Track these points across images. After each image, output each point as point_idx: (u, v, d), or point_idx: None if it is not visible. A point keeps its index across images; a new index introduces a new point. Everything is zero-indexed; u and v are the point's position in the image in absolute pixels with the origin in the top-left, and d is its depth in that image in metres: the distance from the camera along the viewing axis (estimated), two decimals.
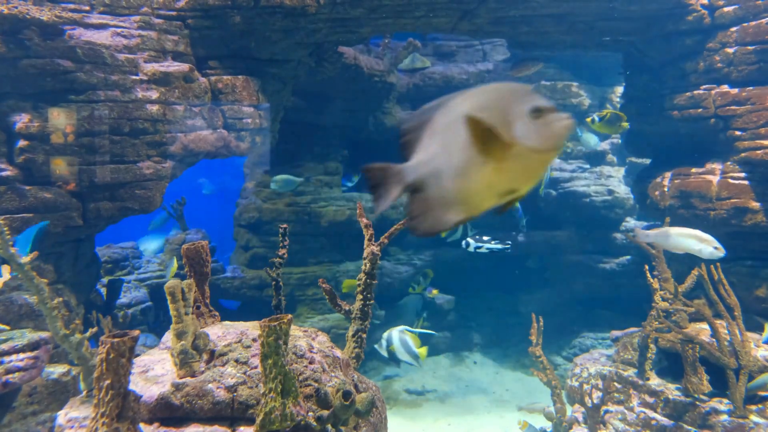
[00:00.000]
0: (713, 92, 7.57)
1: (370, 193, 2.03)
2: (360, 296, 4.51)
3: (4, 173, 6.06)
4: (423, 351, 7.52)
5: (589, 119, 9.13)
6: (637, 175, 9.82)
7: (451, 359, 11.54)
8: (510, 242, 8.87)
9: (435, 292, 9.12)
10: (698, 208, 7.64)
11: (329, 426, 3.28)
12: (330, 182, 11.87)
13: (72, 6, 6.65)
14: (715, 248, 5.96)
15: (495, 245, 8.72)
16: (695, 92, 7.76)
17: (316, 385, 3.47)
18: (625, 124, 8.75)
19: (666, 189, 8.24)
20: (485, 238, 8.92)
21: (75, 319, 5.20)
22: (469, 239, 8.99)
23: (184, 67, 7.13)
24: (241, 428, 3.31)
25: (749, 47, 7.25)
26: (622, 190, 11.33)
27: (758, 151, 7.05)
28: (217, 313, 4.49)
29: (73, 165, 6.36)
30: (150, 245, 9.94)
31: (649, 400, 6.47)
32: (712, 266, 6.12)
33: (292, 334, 3.84)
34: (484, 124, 1.67)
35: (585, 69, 12.82)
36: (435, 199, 1.88)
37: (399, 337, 7.50)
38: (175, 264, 8.87)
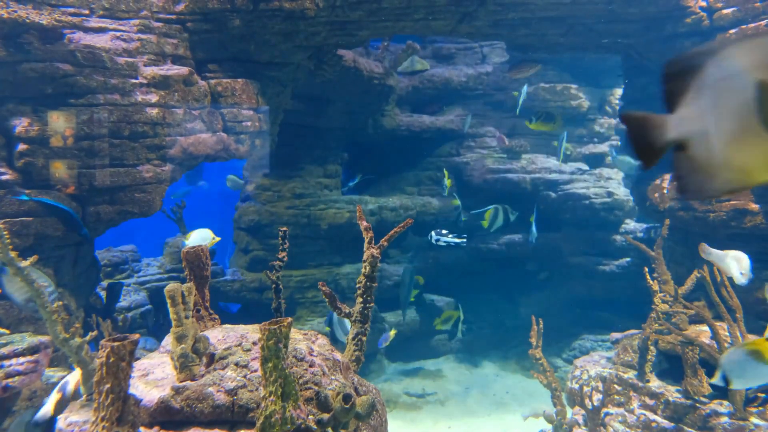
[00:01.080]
0: None
1: (630, 144, 1.79)
2: (360, 299, 4.50)
3: (3, 177, 6.06)
4: None
5: (527, 121, 9.78)
6: (637, 177, 9.83)
7: (451, 361, 11.53)
8: (466, 236, 9.08)
9: (392, 333, 9.26)
10: (698, 210, 7.64)
11: (329, 429, 3.27)
12: (329, 185, 11.87)
13: (71, 10, 6.66)
14: (741, 273, 5.94)
15: (452, 239, 8.92)
16: None
17: (317, 388, 3.47)
18: (559, 123, 9.36)
19: (665, 191, 8.25)
20: (444, 231, 9.12)
21: (75, 322, 5.19)
22: (432, 232, 9.21)
23: (184, 70, 7.14)
24: None
25: None
26: (622, 192, 11.33)
27: None
28: (217, 317, 4.49)
29: (72, 168, 6.36)
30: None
31: (650, 402, 6.46)
32: (715, 268, 6.12)
33: (292, 337, 3.83)
34: None
35: (584, 71, 12.85)
36: (701, 161, 1.65)
37: (338, 318, 7.60)
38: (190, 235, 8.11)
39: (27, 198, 6.05)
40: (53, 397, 4.64)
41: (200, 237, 7.00)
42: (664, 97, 1.75)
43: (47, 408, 4.66)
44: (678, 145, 1.71)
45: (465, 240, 9.05)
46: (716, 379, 4.73)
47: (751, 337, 6.10)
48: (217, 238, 7.15)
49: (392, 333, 9.08)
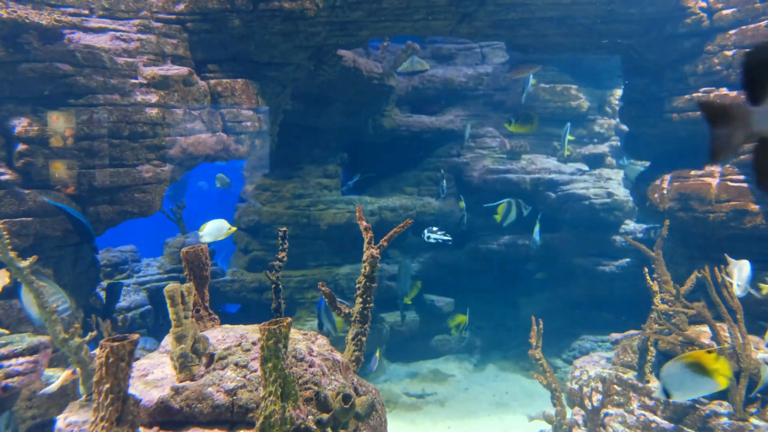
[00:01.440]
0: (712, 95, 7.58)
1: (710, 131, 1.67)
2: (359, 299, 4.49)
3: (3, 177, 6.06)
4: (339, 320, 7.81)
5: (506, 123, 10.25)
6: (637, 177, 9.83)
7: (451, 362, 11.53)
8: (450, 237, 9.44)
9: (378, 353, 9.39)
10: (697, 211, 7.64)
11: (329, 429, 3.27)
12: (329, 185, 11.87)
13: (71, 10, 6.66)
14: (738, 284, 5.98)
15: (440, 236, 9.29)
16: (694, 95, 7.76)
17: (316, 388, 3.47)
18: (536, 124, 10.12)
19: (665, 191, 8.25)
20: (434, 228, 9.37)
21: (74, 323, 5.19)
22: (425, 230, 9.53)
23: (184, 70, 7.14)
24: None
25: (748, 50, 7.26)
26: (622, 193, 11.33)
27: None
28: (216, 317, 4.48)
29: (72, 168, 6.36)
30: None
31: (649, 402, 6.46)
32: (716, 268, 6.12)
33: (291, 337, 3.83)
34: None
35: (584, 71, 12.85)
36: None
37: (326, 308, 7.74)
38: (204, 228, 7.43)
39: (48, 201, 6.07)
40: (64, 375, 4.67)
41: (216, 228, 6.95)
42: (745, 85, 1.64)
43: (55, 384, 4.69)
44: (762, 138, 1.61)
45: (450, 239, 9.32)
46: (657, 393, 4.74)
47: (751, 338, 6.10)
48: (233, 228, 7.10)
49: (378, 354, 9.25)
